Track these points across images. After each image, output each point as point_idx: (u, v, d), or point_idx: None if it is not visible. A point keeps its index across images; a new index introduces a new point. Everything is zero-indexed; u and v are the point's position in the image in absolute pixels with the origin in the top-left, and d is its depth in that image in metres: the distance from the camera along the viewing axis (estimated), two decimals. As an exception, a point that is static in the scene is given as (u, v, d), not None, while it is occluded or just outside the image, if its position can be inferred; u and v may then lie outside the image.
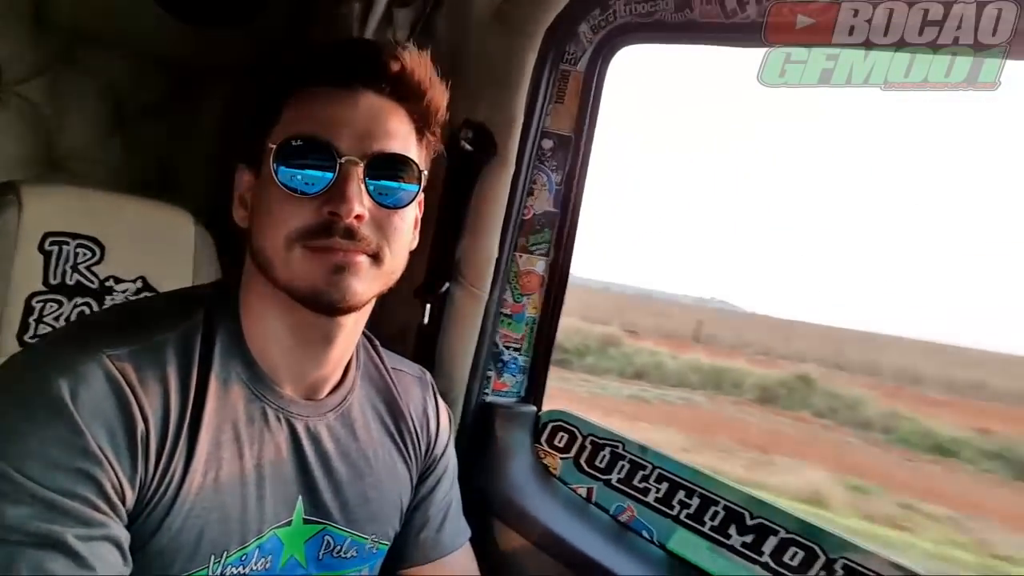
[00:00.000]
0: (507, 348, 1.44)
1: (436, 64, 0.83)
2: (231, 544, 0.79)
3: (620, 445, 1.29)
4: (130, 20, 1.59)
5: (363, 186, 0.76)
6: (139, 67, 1.70)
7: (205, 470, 0.76)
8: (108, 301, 1.22)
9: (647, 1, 1.24)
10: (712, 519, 1.14)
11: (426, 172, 0.83)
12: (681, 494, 1.19)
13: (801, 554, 1.03)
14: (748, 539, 1.09)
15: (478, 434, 1.39)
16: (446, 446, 1.07)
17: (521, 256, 1.42)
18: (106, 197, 1.25)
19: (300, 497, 0.86)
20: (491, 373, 1.44)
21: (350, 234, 0.75)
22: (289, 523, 0.86)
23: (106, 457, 0.68)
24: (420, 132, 0.83)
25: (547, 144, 1.39)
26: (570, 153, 1.40)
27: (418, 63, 0.80)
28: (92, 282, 1.20)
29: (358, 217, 0.75)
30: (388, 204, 0.78)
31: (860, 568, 0.97)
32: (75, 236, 1.18)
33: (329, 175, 0.75)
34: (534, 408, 1.44)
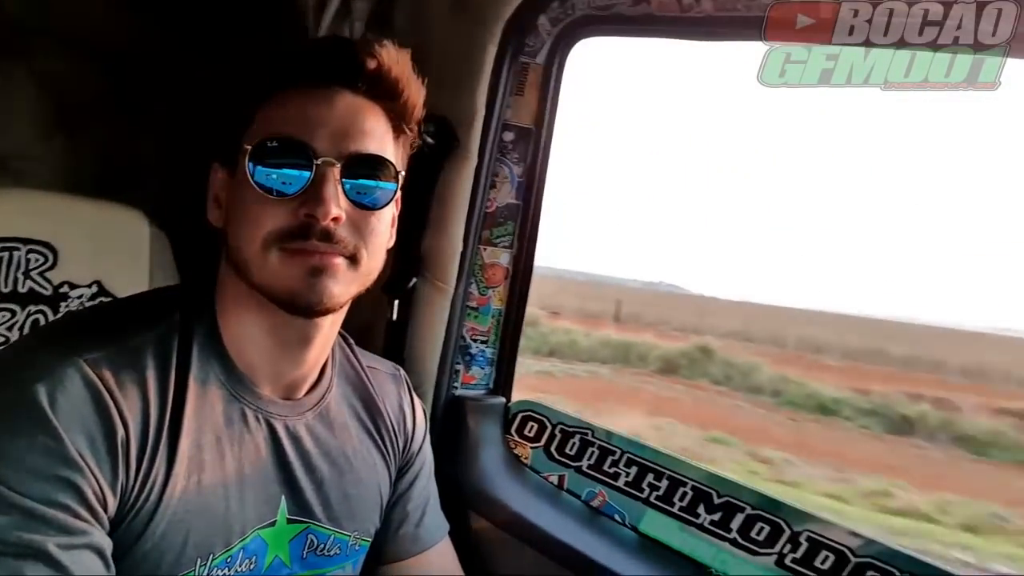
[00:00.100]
0: (474, 341, 1.45)
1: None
2: (216, 546, 0.79)
3: (589, 432, 1.32)
4: (71, 12, 1.52)
5: (340, 187, 0.76)
6: (81, 62, 1.62)
7: (188, 473, 0.76)
8: (63, 308, 1.18)
9: (605, -6, 1.25)
10: (681, 500, 1.18)
11: (403, 171, 0.83)
12: (650, 477, 1.22)
13: (767, 529, 1.08)
14: (716, 517, 1.13)
15: (449, 428, 1.40)
16: (422, 442, 1.08)
17: (485, 249, 1.42)
18: (56, 199, 1.21)
19: (283, 497, 0.86)
20: (459, 367, 1.44)
21: (327, 236, 0.75)
22: (273, 523, 0.86)
23: (86, 464, 0.67)
24: (397, 130, 0.84)
25: (508, 136, 1.39)
26: (531, 145, 1.41)
27: (395, 61, 0.80)
28: (46, 289, 1.16)
29: (335, 219, 0.75)
30: (365, 204, 0.79)
31: (821, 538, 1.03)
32: (26, 241, 1.14)
33: (306, 174, 0.75)
34: (503, 399, 1.46)
